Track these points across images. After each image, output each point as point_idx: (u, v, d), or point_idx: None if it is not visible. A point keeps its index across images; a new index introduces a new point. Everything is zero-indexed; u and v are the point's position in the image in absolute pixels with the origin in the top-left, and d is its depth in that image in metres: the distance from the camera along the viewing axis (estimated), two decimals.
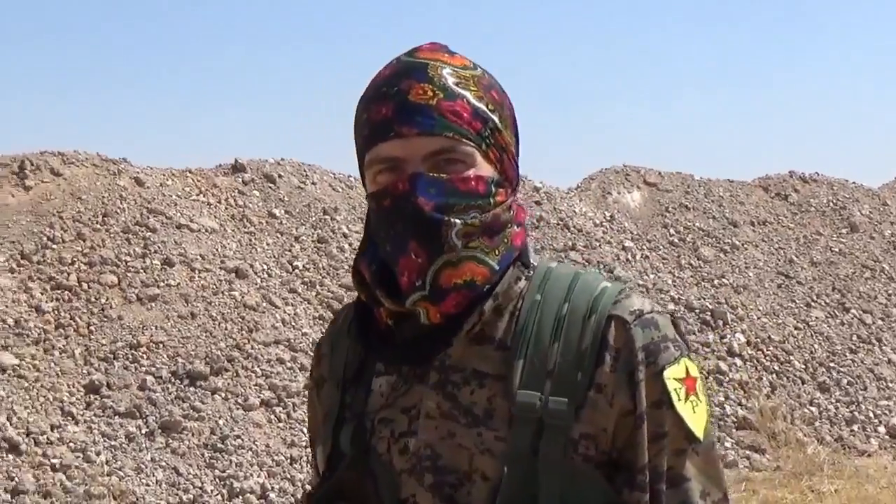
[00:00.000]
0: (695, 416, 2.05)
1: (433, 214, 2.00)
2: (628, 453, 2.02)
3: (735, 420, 12.54)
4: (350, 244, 13.39)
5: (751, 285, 15.27)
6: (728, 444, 12.14)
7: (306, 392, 2.64)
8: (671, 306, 14.23)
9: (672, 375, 2.03)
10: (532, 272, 2.15)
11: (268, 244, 13.18)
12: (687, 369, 2.07)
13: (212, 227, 13.02)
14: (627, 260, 15.05)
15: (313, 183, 14.49)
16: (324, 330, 2.33)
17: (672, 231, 16.06)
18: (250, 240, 13.13)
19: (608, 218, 15.96)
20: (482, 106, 2.08)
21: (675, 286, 14.79)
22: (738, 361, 13.57)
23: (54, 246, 11.97)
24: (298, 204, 13.98)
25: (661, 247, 15.69)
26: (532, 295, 2.10)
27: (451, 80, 2.07)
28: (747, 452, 12.11)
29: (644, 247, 15.55)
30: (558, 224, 15.30)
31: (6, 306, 11.09)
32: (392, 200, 2.04)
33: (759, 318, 14.53)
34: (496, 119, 2.11)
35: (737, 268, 15.59)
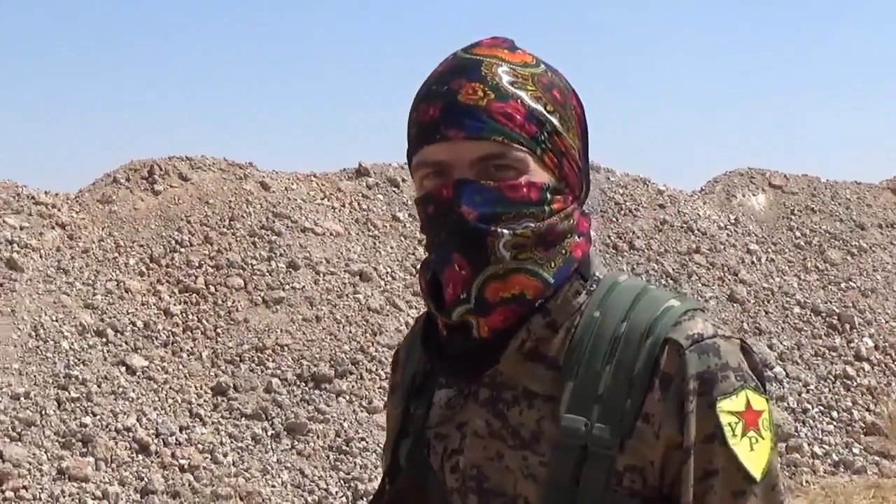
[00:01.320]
0: (752, 455, 1.85)
1: (477, 225, 1.86)
2: (676, 490, 1.85)
3: (863, 426, 12.34)
4: None
5: (879, 289, 14.99)
6: (856, 450, 11.95)
7: None
8: (797, 310, 14.05)
9: (727, 408, 1.84)
10: (595, 286, 2.00)
11: (391, 247, 13.24)
12: (748, 402, 1.86)
13: (336, 230, 13.12)
14: (752, 263, 14.88)
15: None
16: None
17: (798, 234, 15.83)
18: (374, 243, 13.20)
19: (733, 221, 15.78)
20: (539, 107, 1.93)
21: (800, 289, 14.58)
22: (866, 366, 13.33)
23: (182, 249, 12.15)
24: None
25: (786, 250, 15.48)
26: (591, 311, 1.95)
27: (505, 80, 1.91)
28: (876, 458, 11.90)
29: (769, 250, 15.36)
30: (682, 227, 15.17)
31: (136, 309, 11.28)
32: (436, 207, 1.92)
33: (887, 322, 14.26)
34: (555, 121, 1.94)
35: (864, 271, 15.32)
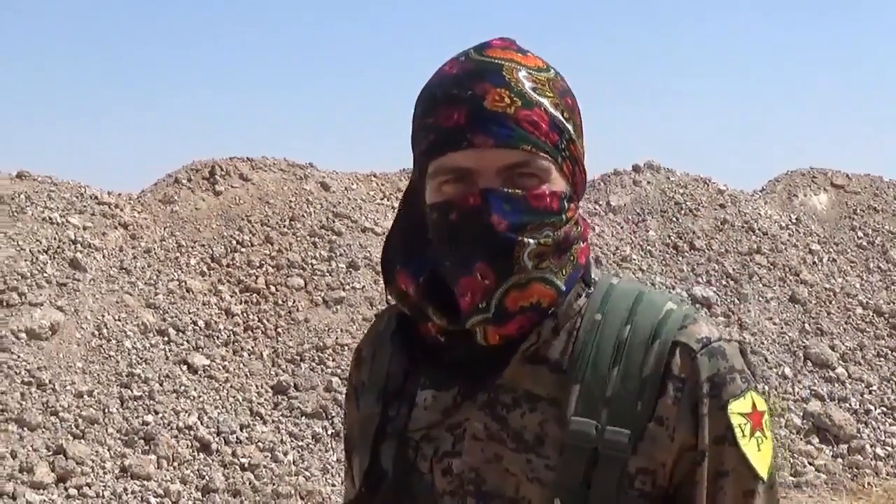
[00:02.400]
0: (759, 455, 1.89)
1: (507, 234, 1.84)
2: (686, 490, 1.86)
3: None
4: None
5: None
6: None
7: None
8: (860, 311, 13.96)
9: (737, 410, 1.87)
10: (592, 289, 1.99)
11: None
12: (754, 403, 1.90)
13: None
14: (814, 263, 14.78)
15: None
16: None
17: (860, 234, 15.71)
18: None
19: (794, 221, 15.69)
20: (558, 115, 1.90)
21: (863, 290, 14.48)
22: None
23: (243, 249, 12.22)
24: None
25: (848, 250, 15.37)
26: (591, 314, 1.95)
27: (528, 85, 1.88)
28: None
29: (831, 250, 15.25)
30: (743, 227, 15.10)
31: (197, 308, 11.35)
32: (459, 215, 1.87)
33: None
34: (571, 129, 1.93)
35: None
